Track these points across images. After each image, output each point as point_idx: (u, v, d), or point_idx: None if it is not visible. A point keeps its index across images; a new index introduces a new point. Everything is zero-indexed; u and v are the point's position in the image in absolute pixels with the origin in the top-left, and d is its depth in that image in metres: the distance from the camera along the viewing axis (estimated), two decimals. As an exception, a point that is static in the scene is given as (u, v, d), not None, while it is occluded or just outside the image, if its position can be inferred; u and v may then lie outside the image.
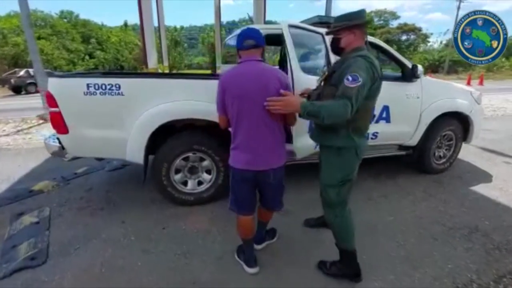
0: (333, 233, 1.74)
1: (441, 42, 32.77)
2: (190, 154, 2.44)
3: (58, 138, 2.28)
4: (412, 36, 34.39)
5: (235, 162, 1.61)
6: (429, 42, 35.58)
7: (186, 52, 30.87)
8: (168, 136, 2.41)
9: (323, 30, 2.50)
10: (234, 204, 1.73)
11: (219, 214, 2.46)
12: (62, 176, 3.19)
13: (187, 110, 2.29)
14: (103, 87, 2.14)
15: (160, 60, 10.61)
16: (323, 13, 7.62)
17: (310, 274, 1.80)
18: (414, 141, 3.11)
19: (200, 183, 2.59)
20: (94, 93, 2.14)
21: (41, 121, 6.64)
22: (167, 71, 10.64)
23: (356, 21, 1.55)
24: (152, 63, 7.74)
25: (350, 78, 1.38)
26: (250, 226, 1.76)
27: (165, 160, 2.38)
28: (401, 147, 3.20)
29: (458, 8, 29.06)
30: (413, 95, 2.94)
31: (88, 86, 2.12)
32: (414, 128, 3.04)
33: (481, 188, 3.01)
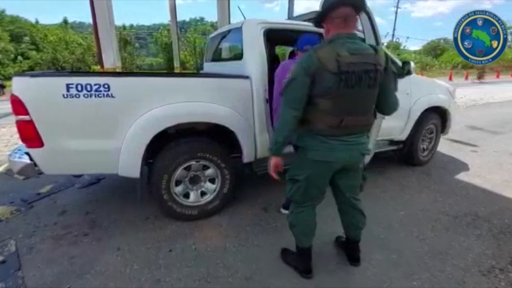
0: None
1: (383, 44, 35.80)
2: (193, 162, 2.15)
3: (27, 153, 1.82)
4: (357, 38, 36.93)
5: None
6: (371, 43, 38.67)
7: (138, 52, 28.93)
8: (162, 144, 2.10)
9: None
10: None
11: (229, 227, 2.21)
12: (22, 199, 2.62)
13: (192, 112, 2.01)
14: (88, 88, 1.76)
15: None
16: (273, 15, 7.65)
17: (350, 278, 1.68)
18: (404, 135, 3.22)
19: (203, 194, 2.31)
20: (77, 96, 1.74)
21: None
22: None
23: (319, 11, 1.39)
24: (110, 62, 6.98)
25: None
26: None
27: (165, 171, 2.06)
28: (391, 142, 3.29)
29: (396, 13, 32.18)
30: (403, 91, 3.02)
31: (68, 87, 1.72)
32: (404, 123, 3.15)
33: (464, 176, 3.23)
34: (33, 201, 2.62)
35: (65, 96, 1.72)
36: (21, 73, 1.79)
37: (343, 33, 1.33)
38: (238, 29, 2.42)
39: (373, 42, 1.95)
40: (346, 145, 1.41)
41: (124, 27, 28.14)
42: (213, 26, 26.07)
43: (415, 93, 3.10)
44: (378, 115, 2.13)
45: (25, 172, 1.84)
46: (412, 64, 2.84)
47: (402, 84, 2.97)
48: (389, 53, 2.75)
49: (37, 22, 30.28)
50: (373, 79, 1.33)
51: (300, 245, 1.68)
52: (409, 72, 2.86)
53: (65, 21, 31.57)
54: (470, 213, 2.46)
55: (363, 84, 1.31)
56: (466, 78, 21.25)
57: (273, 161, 1.51)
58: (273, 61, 3.59)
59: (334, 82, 1.27)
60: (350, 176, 1.58)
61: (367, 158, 2.21)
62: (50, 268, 1.78)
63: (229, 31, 2.75)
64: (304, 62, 1.31)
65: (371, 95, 1.40)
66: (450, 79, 20.09)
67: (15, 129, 1.82)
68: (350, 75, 1.27)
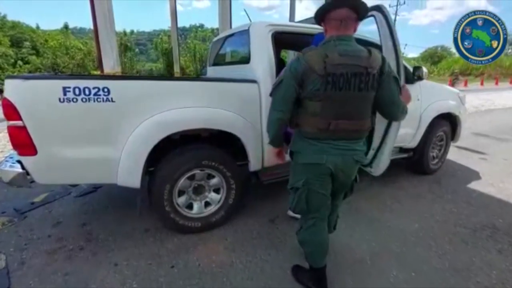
0: None
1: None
2: (197, 171, 2.03)
3: (19, 161, 1.70)
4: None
5: None
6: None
7: (138, 57, 28.94)
8: (164, 152, 1.98)
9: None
10: None
11: (235, 241, 2.08)
12: (14, 208, 2.48)
13: (197, 118, 1.90)
14: (86, 91, 1.64)
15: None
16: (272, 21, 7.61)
17: None
18: (414, 143, 3.11)
19: (207, 204, 2.18)
20: (74, 100, 1.62)
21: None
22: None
23: (318, 9, 1.36)
24: (110, 67, 6.91)
25: None
26: None
27: (167, 181, 1.94)
28: (401, 149, 3.18)
29: (395, 21, 32.50)
30: (414, 97, 2.91)
31: (65, 90, 1.60)
32: (415, 130, 3.04)
33: (476, 185, 3.11)
34: (27, 210, 2.47)
35: (62, 100, 1.60)
36: (14, 75, 1.68)
37: (335, 35, 1.30)
38: (245, 32, 2.32)
39: (390, 46, 1.84)
40: (337, 149, 1.35)
41: (124, 33, 28.19)
42: (213, 32, 26.11)
43: (425, 99, 3.00)
44: (394, 122, 2.03)
45: (16, 182, 1.71)
46: (424, 69, 2.74)
47: (413, 90, 2.87)
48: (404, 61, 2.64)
49: (37, 27, 30.32)
50: (364, 82, 1.26)
51: (313, 265, 1.55)
52: (420, 78, 2.76)
53: (66, 27, 31.64)
54: (488, 225, 2.33)
55: (352, 87, 1.26)
56: (465, 85, 21.32)
57: (273, 150, 1.66)
58: (279, 66, 3.49)
59: (321, 84, 1.25)
60: (339, 182, 1.46)
61: (382, 168, 2.07)
62: (42, 286, 1.64)
63: (234, 34, 2.65)
64: (292, 65, 1.30)
65: (364, 98, 1.32)
66: (450, 84, 20.12)
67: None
68: (337, 77, 1.23)
